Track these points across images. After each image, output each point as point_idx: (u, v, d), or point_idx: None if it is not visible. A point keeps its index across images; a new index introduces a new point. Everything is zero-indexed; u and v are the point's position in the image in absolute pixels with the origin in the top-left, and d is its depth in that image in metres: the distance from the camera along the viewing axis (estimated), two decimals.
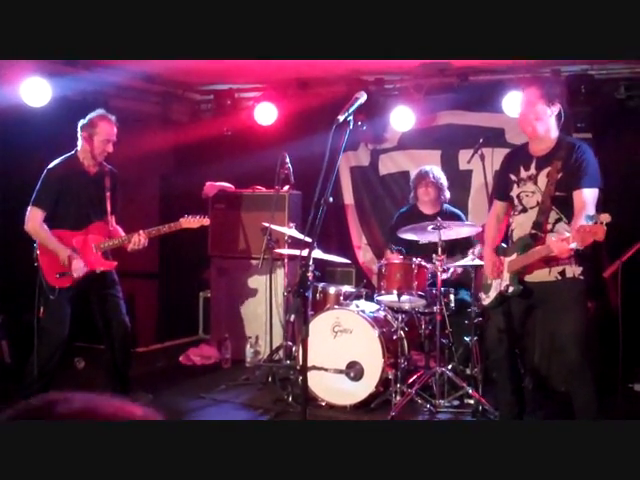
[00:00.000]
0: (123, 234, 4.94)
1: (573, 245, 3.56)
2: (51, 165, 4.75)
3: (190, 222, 4.94)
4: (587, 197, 3.81)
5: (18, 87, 5.44)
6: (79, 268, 4.65)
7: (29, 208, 4.69)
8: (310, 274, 2.94)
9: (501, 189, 4.29)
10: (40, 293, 4.71)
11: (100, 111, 4.81)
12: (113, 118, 4.78)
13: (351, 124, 3.03)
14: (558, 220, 3.95)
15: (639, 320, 5.31)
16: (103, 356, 5.04)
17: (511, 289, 4.04)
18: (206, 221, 5.03)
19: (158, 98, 6.94)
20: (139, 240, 4.78)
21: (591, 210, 3.67)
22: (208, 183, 6.93)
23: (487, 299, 4.24)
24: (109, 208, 4.90)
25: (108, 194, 4.89)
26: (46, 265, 4.68)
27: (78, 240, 4.74)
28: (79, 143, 4.78)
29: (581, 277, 3.94)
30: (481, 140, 4.96)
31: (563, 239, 3.59)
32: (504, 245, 4.22)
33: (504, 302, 4.14)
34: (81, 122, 4.76)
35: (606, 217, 3.35)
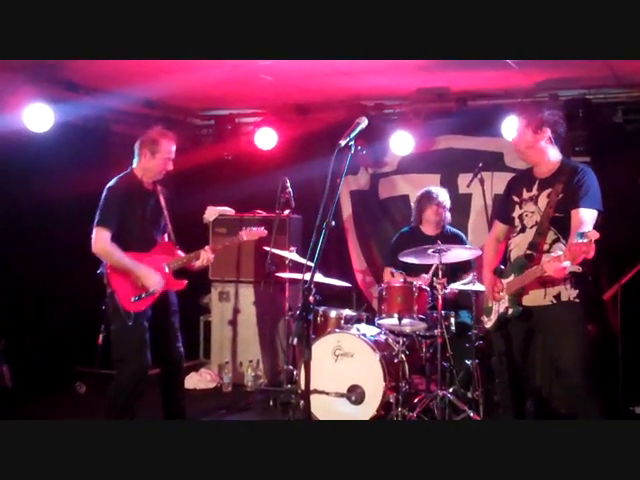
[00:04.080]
0: (182, 253, 4.68)
1: (566, 263, 3.56)
2: (111, 183, 4.43)
3: (250, 234, 4.98)
4: (584, 217, 3.80)
5: (21, 113, 5.49)
6: (157, 282, 4.36)
7: (94, 229, 4.30)
8: (312, 297, 2.94)
9: (503, 211, 4.31)
10: (111, 321, 4.39)
11: (159, 127, 4.61)
12: (173, 135, 4.58)
13: (352, 149, 3.06)
14: (556, 240, 3.94)
15: (639, 342, 5.31)
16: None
17: (510, 311, 4.05)
18: (263, 232, 5.04)
19: (159, 123, 6.98)
20: (207, 257, 4.57)
21: (585, 229, 3.66)
22: (209, 207, 6.96)
23: (489, 322, 4.25)
24: (170, 226, 4.66)
25: (165, 213, 4.63)
26: (120, 289, 4.32)
27: (148, 262, 4.42)
28: (136, 160, 4.51)
29: (577, 300, 3.91)
30: (480, 164, 5.01)
31: (555, 258, 3.59)
32: (502, 267, 4.24)
33: (504, 325, 4.14)
34: (141, 138, 4.51)
35: (594, 234, 3.38)
